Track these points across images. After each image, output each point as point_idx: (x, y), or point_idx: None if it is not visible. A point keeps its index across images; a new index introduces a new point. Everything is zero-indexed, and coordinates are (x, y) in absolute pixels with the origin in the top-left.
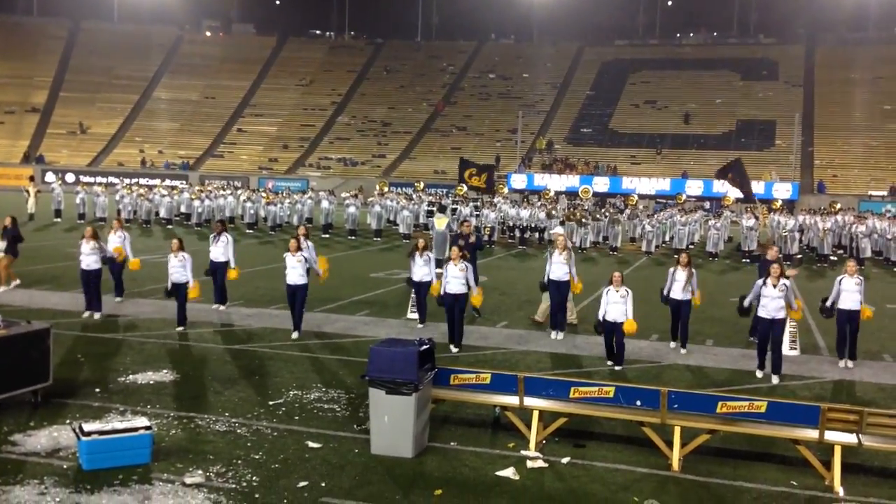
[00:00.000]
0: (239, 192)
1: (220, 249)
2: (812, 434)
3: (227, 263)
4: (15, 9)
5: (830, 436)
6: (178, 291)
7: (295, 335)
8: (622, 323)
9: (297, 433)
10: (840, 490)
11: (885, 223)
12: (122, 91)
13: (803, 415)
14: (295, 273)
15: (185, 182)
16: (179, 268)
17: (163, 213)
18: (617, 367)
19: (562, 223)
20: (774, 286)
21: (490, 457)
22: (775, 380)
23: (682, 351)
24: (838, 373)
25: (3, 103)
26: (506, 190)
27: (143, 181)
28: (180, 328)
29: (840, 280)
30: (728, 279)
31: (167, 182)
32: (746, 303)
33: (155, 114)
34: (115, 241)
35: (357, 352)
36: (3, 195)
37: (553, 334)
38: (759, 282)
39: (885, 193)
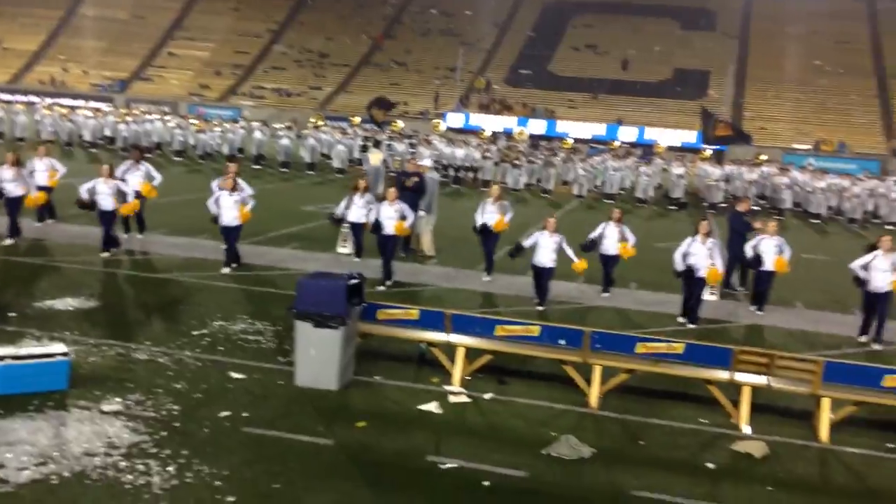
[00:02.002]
0: (167, 118)
1: (138, 179)
2: (724, 375)
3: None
4: None
5: (740, 377)
6: (105, 218)
7: (228, 270)
8: (551, 268)
9: (220, 364)
10: (746, 428)
11: (807, 176)
12: (46, 6)
13: (717, 357)
14: (230, 213)
15: (110, 104)
16: (107, 196)
17: (86, 136)
18: (540, 308)
19: (496, 164)
20: (703, 243)
21: (414, 391)
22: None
23: (605, 295)
24: (753, 318)
25: None
26: (442, 128)
27: (64, 101)
28: (105, 254)
29: (760, 240)
30: (655, 225)
31: (91, 104)
32: (678, 262)
33: (80, 31)
34: (41, 166)
35: (285, 284)
36: None
37: (485, 277)
38: (689, 239)
39: (809, 147)
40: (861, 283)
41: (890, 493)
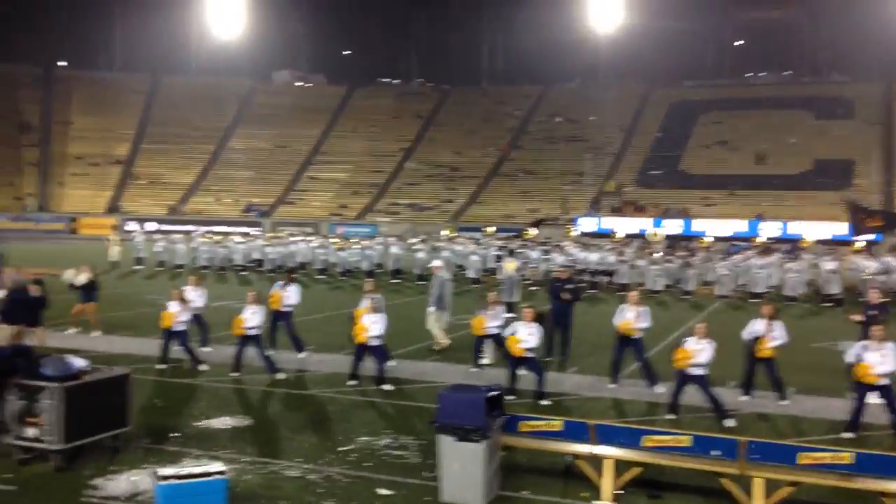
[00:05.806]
0: (310, 238)
1: (291, 299)
2: None
3: (292, 312)
4: (99, 65)
5: None
6: (251, 340)
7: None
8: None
9: (367, 480)
10: None
11: None
12: (199, 141)
13: (893, 466)
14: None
15: (259, 229)
16: (252, 317)
17: (238, 260)
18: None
19: (632, 266)
20: (877, 349)
21: None
22: None
23: (784, 402)
24: None
25: (87, 156)
26: (574, 233)
27: (217, 228)
28: (280, 375)
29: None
30: (809, 324)
31: (242, 229)
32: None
33: (230, 163)
34: (193, 295)
35: (426, 398)
36: (87, 244)
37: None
38: (861, 343)
39: None
40: None
41: None
